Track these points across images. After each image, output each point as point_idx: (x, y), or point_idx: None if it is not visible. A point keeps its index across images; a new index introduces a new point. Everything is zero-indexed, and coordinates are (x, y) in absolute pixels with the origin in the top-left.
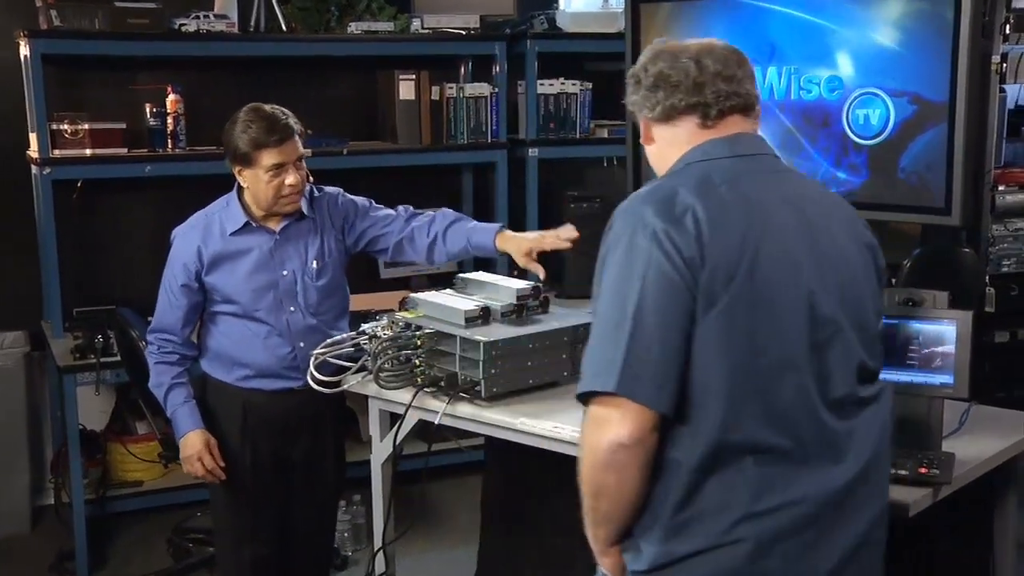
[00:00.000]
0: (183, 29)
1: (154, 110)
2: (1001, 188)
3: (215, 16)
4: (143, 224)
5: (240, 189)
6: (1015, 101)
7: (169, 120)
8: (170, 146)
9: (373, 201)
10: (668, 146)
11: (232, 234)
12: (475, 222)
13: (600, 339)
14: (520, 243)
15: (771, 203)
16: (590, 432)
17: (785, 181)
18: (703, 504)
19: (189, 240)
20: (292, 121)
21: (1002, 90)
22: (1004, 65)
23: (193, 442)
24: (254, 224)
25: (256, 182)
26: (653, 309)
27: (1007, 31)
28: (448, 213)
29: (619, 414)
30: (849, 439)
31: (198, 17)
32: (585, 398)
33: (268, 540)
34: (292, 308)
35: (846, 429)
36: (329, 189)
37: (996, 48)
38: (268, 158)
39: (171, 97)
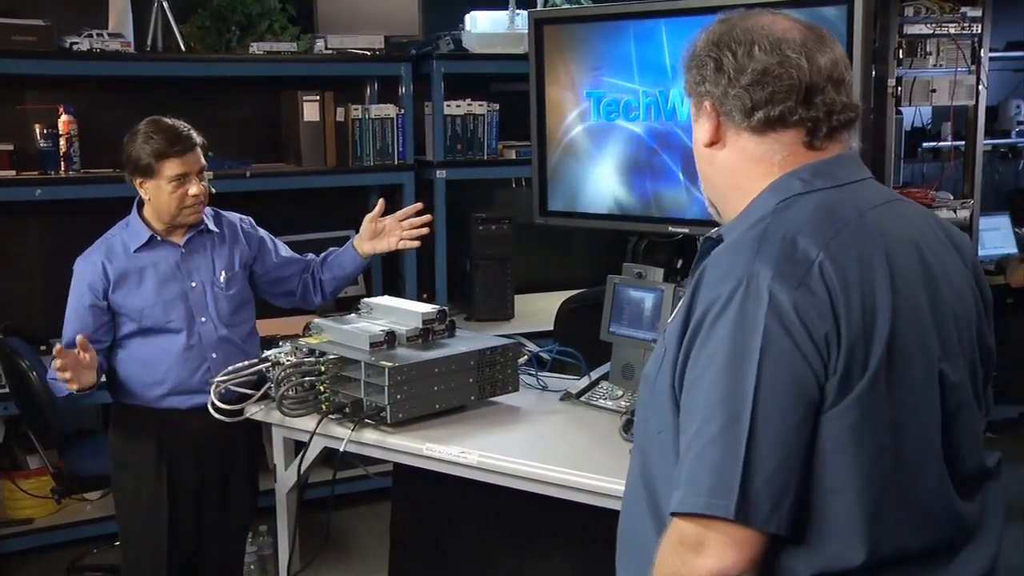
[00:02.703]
0: (74, 48)
1: (45, 131)
2: None
3: (109, 34)
4: (33, 250)
5: (140, 206)
6: (911, 123)
7: (62, 141)
8: (63, 168)
9: (274, 239)
10: (751, 163)
11: (136, 251)
12: (336, 250)
13: (707, 440)
14: (363, 230)
15: (894, 246)
16: (678, 555)
17: (897, 212)
18: None
19: (92, 261)
20: (194, 133)
21: (899, 112)
22: (899, 88)
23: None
24: (158, 239)
25: (159, 194)
26: (772, 405)
27: (901, 56)
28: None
29: (723, 538)
30: (978, 522)
31: (91, 35)
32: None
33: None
34: (203, 319)
35: (975, 510)
36: (234, 214)
37: (891, 72)
38: (171, 168)
39: (63, 118)
